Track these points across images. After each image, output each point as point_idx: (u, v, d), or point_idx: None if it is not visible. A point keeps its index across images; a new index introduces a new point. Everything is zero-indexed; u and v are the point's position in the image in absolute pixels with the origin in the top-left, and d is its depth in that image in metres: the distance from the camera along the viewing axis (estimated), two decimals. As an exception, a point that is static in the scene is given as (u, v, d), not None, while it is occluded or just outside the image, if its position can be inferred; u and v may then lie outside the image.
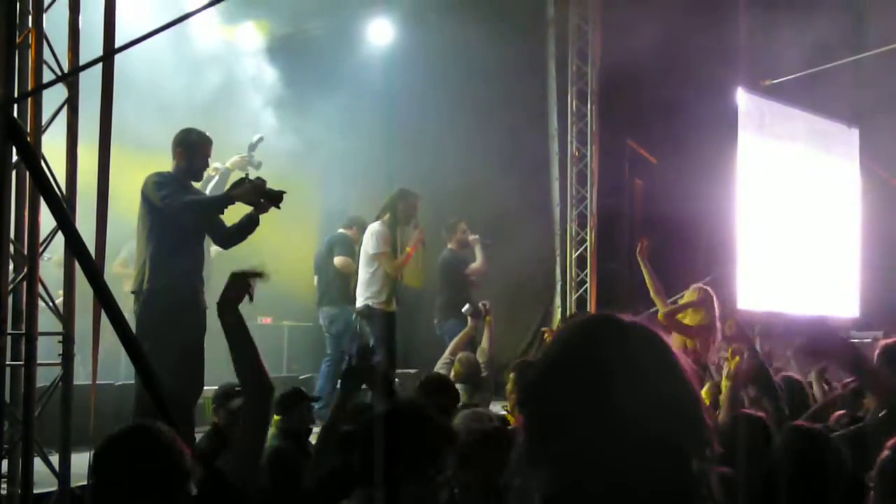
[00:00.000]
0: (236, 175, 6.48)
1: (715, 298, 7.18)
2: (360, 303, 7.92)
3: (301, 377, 9.14)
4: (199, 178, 6.45)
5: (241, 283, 3.18)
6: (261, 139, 8.37)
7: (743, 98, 12.36)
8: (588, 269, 11.88)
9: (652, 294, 7.54)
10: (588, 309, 11.52)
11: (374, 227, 7.92)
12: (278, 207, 6.11)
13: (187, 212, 5.97)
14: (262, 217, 6.13)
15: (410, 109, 10.38)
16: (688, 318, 7.31)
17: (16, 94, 4.49)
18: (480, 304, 7.43)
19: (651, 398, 1.35)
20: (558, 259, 12.01)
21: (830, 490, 2.77)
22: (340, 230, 8.90)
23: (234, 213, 6.22)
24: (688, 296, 7.58)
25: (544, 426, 1.40)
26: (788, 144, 12.88)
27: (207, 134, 6.35)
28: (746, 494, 2.85)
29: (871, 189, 13.52)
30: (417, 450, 2.74)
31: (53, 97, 4.91)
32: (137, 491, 2.62)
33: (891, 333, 6.02)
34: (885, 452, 2.15)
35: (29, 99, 4.65)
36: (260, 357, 3.11)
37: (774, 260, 12.53)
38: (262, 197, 6.05)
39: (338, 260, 8.59)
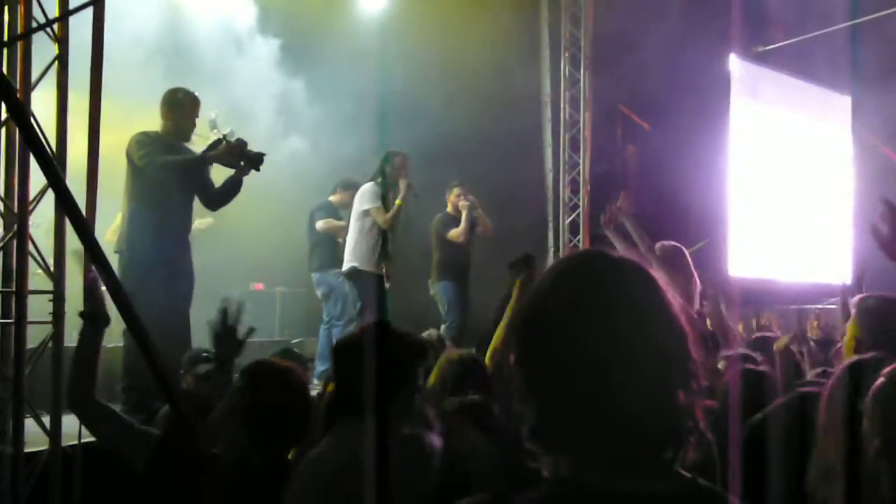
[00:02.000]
0: None
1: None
2: (346, 264, 7.89)
3: (294, 341, 9.17)
4: (186, 138, 6.37)
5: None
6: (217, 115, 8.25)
7: (736, 64, 12.35)
8: (581, 235, 11.89)
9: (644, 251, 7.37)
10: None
11: (364, 187, 7.91)
12: (258, 170, 6.07)
13: (164, 172, 5.94)
14: (256, 184, 6.09)
15: (402, 76, 10.31)
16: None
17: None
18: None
19: (638, 330, 1.36)
20: (551, 225, 12.02)
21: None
22: (329, 198, 8.88)
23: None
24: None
25: (532, 360, 1.41)
26: (781, 111, 12.88)
27: (196, 94, 6.30)
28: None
29: (862, 156, 13.54)
30: (396, 366, 2.80)
31: (43, 55, 4.85)
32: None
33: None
34: (881, 380, 2.13)
35: (18, 55, 4.61)
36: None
37: (766, 226, 12.57)
38: (241, 159, 6.02)
39: (319, 224, 8.59)
